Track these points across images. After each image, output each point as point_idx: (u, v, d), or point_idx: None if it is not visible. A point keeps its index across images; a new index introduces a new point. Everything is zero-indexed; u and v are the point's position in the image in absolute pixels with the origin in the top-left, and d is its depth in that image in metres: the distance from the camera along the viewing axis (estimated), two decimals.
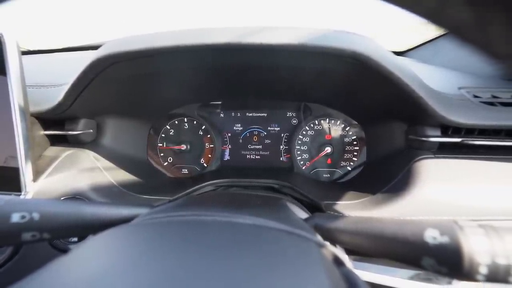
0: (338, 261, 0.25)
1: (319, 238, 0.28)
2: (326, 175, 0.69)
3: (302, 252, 0.23)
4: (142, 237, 0.23)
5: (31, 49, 0.90)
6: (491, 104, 0.49)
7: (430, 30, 0.85)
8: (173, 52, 0.40)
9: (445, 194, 0.45)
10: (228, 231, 0.25)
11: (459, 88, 0.53)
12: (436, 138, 0.49)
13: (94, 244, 0.23)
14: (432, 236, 0.24)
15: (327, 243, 0.27)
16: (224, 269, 0.18)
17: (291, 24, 0.40)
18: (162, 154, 0.74)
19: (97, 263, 0.19)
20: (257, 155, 0.73)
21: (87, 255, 0.21)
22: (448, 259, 0.23)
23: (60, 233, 0.31)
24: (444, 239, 0.24)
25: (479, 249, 0.22)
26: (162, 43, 0.38)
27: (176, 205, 0.35)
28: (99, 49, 0.41)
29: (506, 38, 0.11)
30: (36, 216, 0.29)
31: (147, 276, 0.17)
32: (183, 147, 0.72)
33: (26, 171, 0.46)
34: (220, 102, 0.72)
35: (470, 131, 0.49)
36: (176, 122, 0.72)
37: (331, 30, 0.40)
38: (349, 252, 0.41)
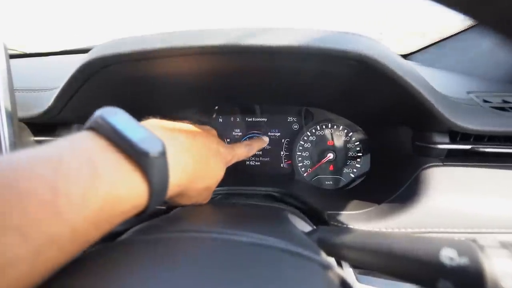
0: (345, 285, 0.22)
1: (323, 257, 0.25)
2: (328, 183, 0.67)
3: (306, 276, 0.21)
4: (134, 257, 0.21)
5: (24, 51, 0.88)
6: (502, 109, 0.47)
7: (434, 33, 0.83)
8: (166, 54, 0.38)
9: (455, 205, 0.43)
10: (225, 251, 0.22)
11: (468, 93, 0.51)
12: (445, 145, 0.47)
13: (83, 264, 0.20)
14: (449, 256, 0.22)
15: (333, 264, 0.24)
16: None
17: (292, 25, 0.38)
18: None
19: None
20: (257, 161, 0.71)
21: (79, 274, 0.19)
22: (469, 283, 0.21)
23: None
24: (463, 261, 0.22)
25: (504, 272, 0.20)
26: (153, 45, 0.36)
27: (171, 218, 0.32)
28: (89, 53, 0.39)
29: None
30: None
31: None
32: None
33: None
34: (218, 107, 0.69)
35: (479, 137, 0.47)
36: None
37: (335, 31, 0.37)
38: (353, 265, 0.38)
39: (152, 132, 0.24)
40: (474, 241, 0.23)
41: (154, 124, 0.31)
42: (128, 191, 0.21)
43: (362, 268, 0.27)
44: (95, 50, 0.39)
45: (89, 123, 0.24)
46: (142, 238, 0.26)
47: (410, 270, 0.24)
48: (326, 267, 0.23)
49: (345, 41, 0.37)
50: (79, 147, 0.21)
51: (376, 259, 0.26)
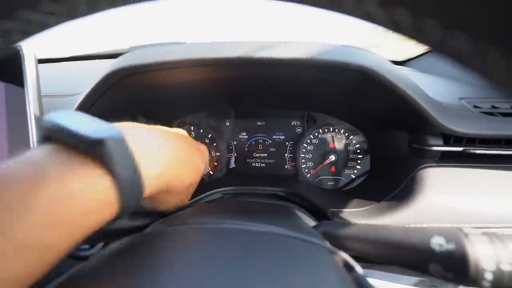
0: (349, 267, 0.26)
1: (329, 244, 0.29)
2: (330, 183, 0.70)
3: (316, 258, 0.24)
4: (161, 245, 0.24)
5: (45, 57, 0.91)
6: (491, 114, 0.50)
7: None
8: (186, 64, 0.41)
9: (448, 202, 0.46)
10: (244, 239, 0.26)
11: (460, 99, 0.54)
12: (439, 147, 0.51)
13: (116, 252, 0.23)
14: (438, 243, 0.25)
15: (338, 250, 0.28)
16: (244, 274, 0.20)
17: (288, 38, 0.42)
18: None
19: (121, 272, 0.20)
20: (262, 163, 0.74)
21: (114, 264, 0.22)
22: (455, 266, 0.24)
23: None
24: (450, 246, 0.25)
25: (484, 255, 0.23)
26: (175, 56, 0.40)
27: (190, 213, 0.36)
28: (115, 61, 0.43)
29: (505, 68, 0.12)
30: None
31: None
32: None
33: None
34: (227, 111, 0.73)
35: (471, 140, 0.50)
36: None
37: (338, 45, 0.41)
38: (355, 258, 0.42)
39: (109, 124, 0.23)
40: (460, 229, 0.26)
41: (127, 124, 0.29)
42: (83, 185, 0.20)
43: (363, 257, 0.31)
44: (120, 60, 0.43)
45: (39, 133, 0.23)
46: (169, 229, 0.29)
47: (406, 257, 0.28)
48: (333, 252, 0.26)
49: (347, 54, 0.41)
50: (27, 156, 0.20)
51: (375, 248, 0.30)
